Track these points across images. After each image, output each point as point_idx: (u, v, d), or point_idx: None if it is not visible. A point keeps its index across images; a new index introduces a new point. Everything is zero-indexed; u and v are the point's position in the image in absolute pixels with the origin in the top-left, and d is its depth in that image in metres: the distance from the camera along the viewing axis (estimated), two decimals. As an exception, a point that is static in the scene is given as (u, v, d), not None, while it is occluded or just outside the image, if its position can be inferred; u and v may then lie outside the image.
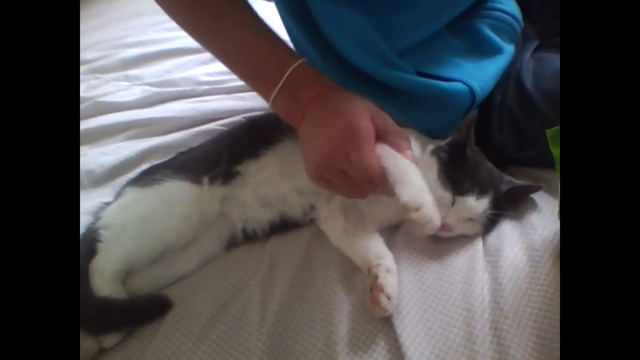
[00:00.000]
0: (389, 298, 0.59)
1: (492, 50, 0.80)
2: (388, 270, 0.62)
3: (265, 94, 0.69)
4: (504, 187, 0.70)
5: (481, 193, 0.68)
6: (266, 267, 0.71)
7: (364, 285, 0.63)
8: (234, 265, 0.72)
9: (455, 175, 0.68)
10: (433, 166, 0.70)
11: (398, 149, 0.64)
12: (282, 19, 0.86)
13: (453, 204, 0.67)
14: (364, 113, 0.61)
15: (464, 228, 0.69)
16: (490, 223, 0.69)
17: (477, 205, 0.67)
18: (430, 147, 0.74)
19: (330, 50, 0.78)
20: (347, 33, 0.75)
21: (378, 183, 0.60)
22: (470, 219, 0.68)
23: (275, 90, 0.67)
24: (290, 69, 0.66)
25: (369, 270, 0.63)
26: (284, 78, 0.66)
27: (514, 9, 0.86)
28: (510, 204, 0.71)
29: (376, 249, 0.66)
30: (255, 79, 0.72)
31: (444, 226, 0.66)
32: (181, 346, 0.62)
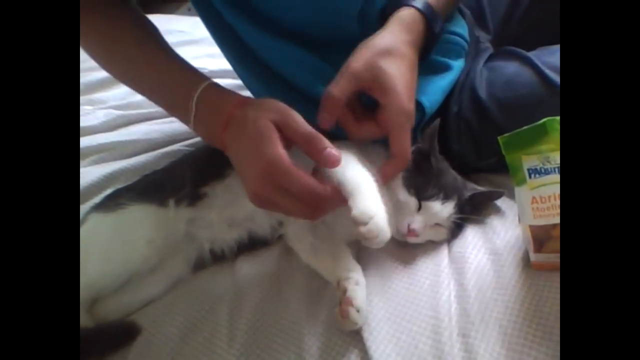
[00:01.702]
0: (358, 311, 0.59)
1: (440, 69, 0.79)
2: (357, 283, 0.62)
3: (188, 125, 0.70)
4: (468, 193, 0.72)
5: (446, 198, 0.68)
6: (235, 286, 0.70)
7: (334, 299, 0.63)
8: (202, 287, 0.72)
9: (421, 181, 0.69)
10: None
11: (313, 153, 0.57)
12: (221, 51, 0.87)
13: (419, 209, 0.68)
14: (271, 139, 0.56)
15: (431, 234, 0.70)
16: (456, 228, 0.70)
17: (443, 209, 0.68)
18: None
19: (275, 78, 0.79)
20: (289, 62, 0.76)
21: (331, 200, 0.57)
22: (437, 225, 0.69)
23: (192, 122, 0.67)
24: (195, 96, 0.65)
25: (338, 283, 0.63)
26: (194, 108, 0.66)
27: (461, 25, 0.86)
28: (473, 210, 0.72)
29: (345, 263, 0.66)
30: (176, 113, 0.74)
31: (410, 232, 0.67)
32: (150, 372, 0.61)
